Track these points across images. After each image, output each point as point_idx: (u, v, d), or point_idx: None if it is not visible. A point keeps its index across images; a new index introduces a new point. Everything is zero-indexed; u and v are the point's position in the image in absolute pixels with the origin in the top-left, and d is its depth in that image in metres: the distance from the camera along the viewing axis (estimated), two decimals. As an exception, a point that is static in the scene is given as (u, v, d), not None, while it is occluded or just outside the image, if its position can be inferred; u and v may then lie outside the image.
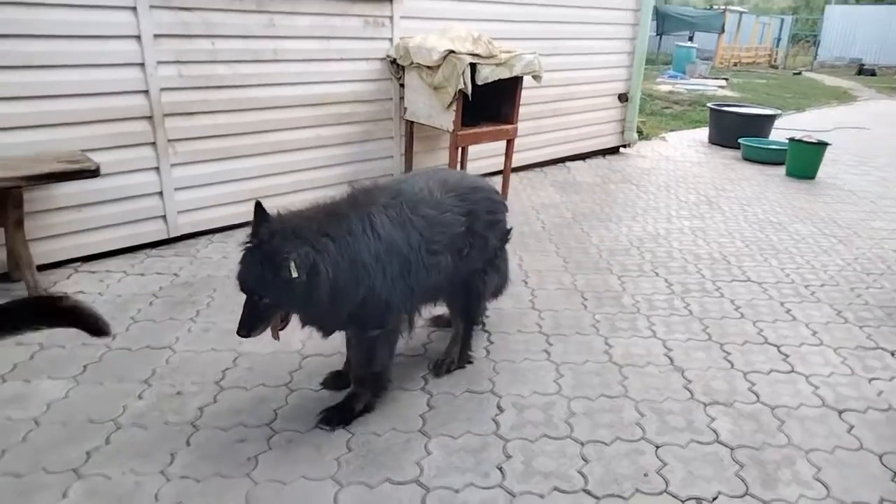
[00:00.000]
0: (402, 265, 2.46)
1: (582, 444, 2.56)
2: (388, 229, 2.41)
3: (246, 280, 2.20)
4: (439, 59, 4.89)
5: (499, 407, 2.78)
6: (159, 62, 4.08)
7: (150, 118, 4.13)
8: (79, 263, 4.01)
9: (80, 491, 2.22)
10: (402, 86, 5.38)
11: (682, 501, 2.29)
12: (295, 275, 2.10)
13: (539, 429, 2.64)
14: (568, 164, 7.27)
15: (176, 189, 4.36)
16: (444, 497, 2.26)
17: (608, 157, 7.79)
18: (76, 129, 3.85)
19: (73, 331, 1.74)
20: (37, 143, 3.71)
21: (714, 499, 2.31)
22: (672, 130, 10.08)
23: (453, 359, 3.02)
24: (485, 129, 5.37)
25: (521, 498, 2.27)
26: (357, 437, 2.55)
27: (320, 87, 4.94)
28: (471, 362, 3.08)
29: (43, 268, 3.80)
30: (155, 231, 4.34)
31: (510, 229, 3.13)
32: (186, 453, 2.43)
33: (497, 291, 3.27)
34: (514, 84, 5.36)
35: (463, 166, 6.01)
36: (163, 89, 4.14)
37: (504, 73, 5.12)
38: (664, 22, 22.54)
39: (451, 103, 4.98)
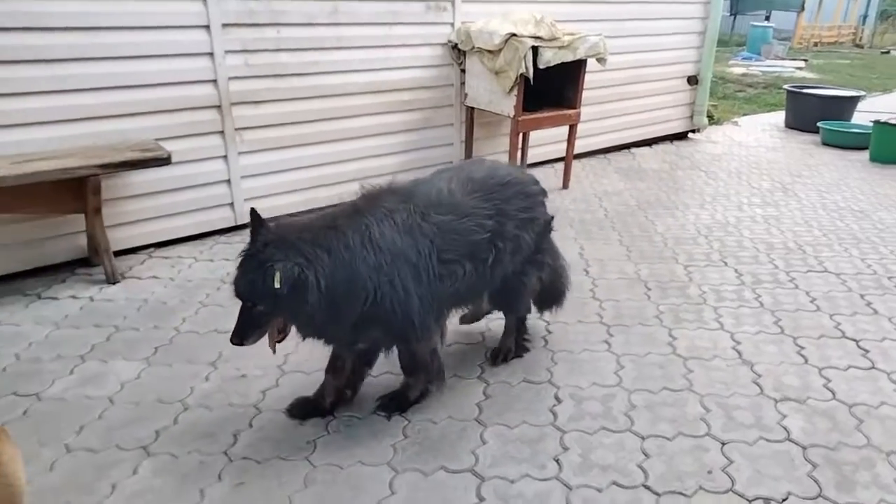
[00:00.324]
0: (414, 273, 2.30)
1: (642, 438, 2.49)
2: (391, 238, 2.26)
3: (239, 286, 2.15)
4: (501, 42, 4.82)
5: (556, 398, 2.73)
6: (227, 51, 4.18)
7: (218, 107, 4.25)
8: (152, 249, 4.17)
9: (149, 468, 2.32)
10: (462, 71, 5.34)
11: (749, 501, 2.20)
12: (277, 286, 2.04)
13: (598, 421, 2.58)
14: (633, 150, 7.06)
15: (243, 177, 4.47)
16: (498, 487, 2.24)
17: (676, 142, 7.53)
18: (149, 119, 3.99)
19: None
20: (113, 133, 3.87)
21: (784, 500, 2.21)
22: (745, 114, 9.64)
23: (510, 347, 2.99)
24: (546, 114, 5.27)
25: (578, 491, 2.23)
26: (413, 424, 2.57)
27: (382, 74, 4.96)
28: (527, 350, 3.04)
29: (119, 253, 3.98)
30: (223, 218, 4.47)
31: (551, 218, 2.87)
32: (249, 434, 2.50)
33: (555, 290, 3.06)
34: (577, 67, 5.24)
35: (524, 153, 5.93)
36: (230, 78, 4.24)
37: (567, 56, 5.00)
38: (739, 1, 21.54)
39: (512, 88, 4.91)
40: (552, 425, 2.56)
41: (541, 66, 4.87)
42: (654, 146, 7.28)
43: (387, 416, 2.59)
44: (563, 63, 5.02)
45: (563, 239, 4.45)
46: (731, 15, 21.75)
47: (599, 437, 2.49)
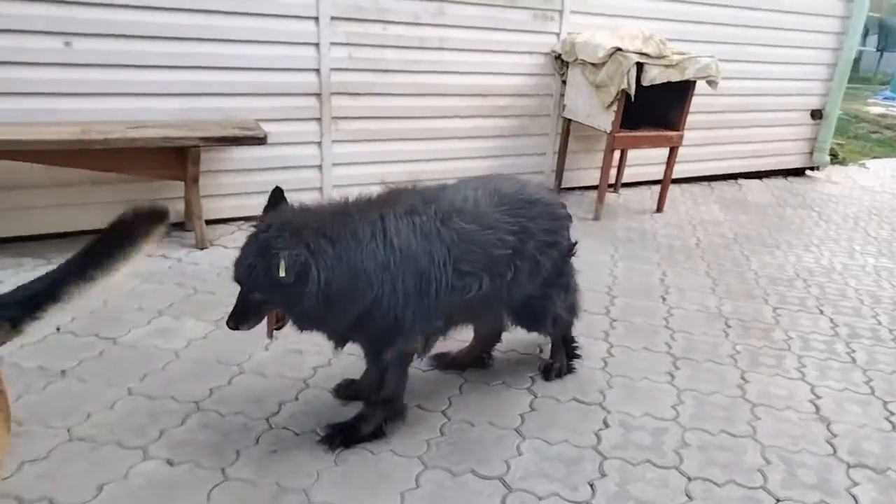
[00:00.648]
0: (420, 281, 2.15)
1: (689, 478, 2.33)
2: (406, 238, 2.12)
3: (238, 270, 2.06)
4: (605, 56, 4.71)
5: (605, 422, 2.62)
6: (332, 43, 4.34)
7: (318, 95, 4.41)
8: (241, 223, 4.39)
9: (196, 421, 2.43)
10: (563, 82, 5.26)
11: (796, 566, 2.01)
12: (283, 274, 1.92)
13: (644, 453, 2.45)
14: (741, 181, 6.69)
15: (334, 164, 4.62)
16: (525, 501, 2.17)
17: (791, 178, 7.05)
18: (253, 100, 4.21)
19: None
20: (218, 110, 4.11)
21: (836, 572, 2.00)
22: (876, 157, 8.88)
23: (562, 364, 2.89)
24: (645, 133, 5.09)
25: (608, 520, 2.12)
26: (452, 423, 2.54)
27: (481, 78, 4.98)
28: (579, 357, 2.95)
29: (211, 222, 4.22)
30: (310, 201, 4.63)
31: (574, 244, 2.70)
32: (293, 406, 2.56)
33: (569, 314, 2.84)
34: (685, 88, 5.02)
35: (620, 172, 5.78)
36: (333, 69, 4.40)
37: (674, 76, 4.81)
38: (888, 36, 19.95)
39: (611, 103, 4.78)
40: (594, 448, 2.45)
41: (644, 84, 4.70)
42: (764, 179, 6.86)
43: (329, 449, 2.33)
44: (669, 83, 4.84)
45: (645, 263, 4.29)
46: (877, 51, 20.18)
47: (642, 470, 2.36)
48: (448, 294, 2.20)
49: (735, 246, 4.78)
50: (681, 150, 5.34)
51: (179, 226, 4.18)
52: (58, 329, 2.96)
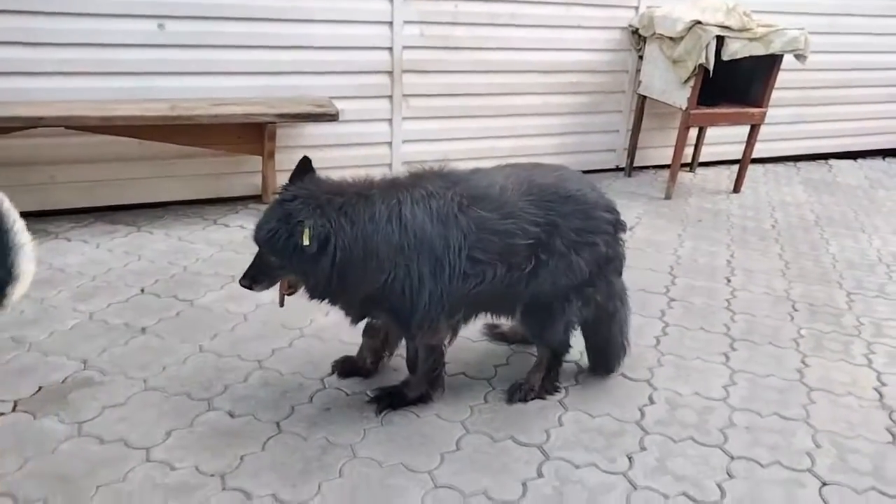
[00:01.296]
0: (434, 265, 2.16)
1: (732, 457, 2.31)
2: (421, 221, 2.12)
3: (259, 233, 2.12)
4: (683, 29, 4.56)
5: (650, 399, 2.62)
6: (405, 21, 4.43)
7: (390, 73, 4.53)
8: (315, 196, 4.59)
9: (257, 378, 2.63)
10: (640, 58, 5.13)
11: (835, 551, 1.97)
12: (307, 243, 1.99)
13: (687, 430, 2.44)
14: (832, 161, 6.31)
15: (403, 141, 4.74)
16: (560, 468, 2.23)
17: (889, 159, 6.58)
18: (327, 78, 4.37)
19: None
20: (295, 88, 4.30)
21: (879, 560, 1.94)
22: None
23: (533, 386, 2.58)
24: (724, 110, 4.90)
25: (642, 492, 2.14)
26: (496, 391, 2.62)
27: (553, 55, 4.94)
28: (558, 391, 2.62)
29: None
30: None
31: (621, 257, 2.52)
32: (347, 369, 2.72)
33: (606, 345, 2.65)
34: (770, 63, 4.80)
35: (697, 150, 5.60)
36: (405, 47, 4.49)
37: (758, 50, 4.60)
38: None
39: (688, 78, 4.63)
40: (636, 423, 2.47)
41: (725, 58, 4.52)
42: (859, 160, 6.44)
43: (376, 410, 2.46)
44: (753, 57, 4.63)
45: (713, 244, 4.17)
46: None
47: (684, 447, 2.36)
48: (462, 281, 2.20)
49: (815, 228, 4.55)
50: (766, 129, 5.11)
51: (256, 198, 4.43)
52: (142, 290, 3.24)
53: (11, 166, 3.80)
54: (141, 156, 4.08)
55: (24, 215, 1.61)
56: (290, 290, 2.30)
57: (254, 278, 2.21)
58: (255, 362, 2.73)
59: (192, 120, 3.76)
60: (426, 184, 2.22)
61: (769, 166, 5.96)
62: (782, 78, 4.91)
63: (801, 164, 6.14)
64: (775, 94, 4.96)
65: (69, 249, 3.62)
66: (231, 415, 2.41)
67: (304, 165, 2.20)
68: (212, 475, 2.12)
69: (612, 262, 2.48)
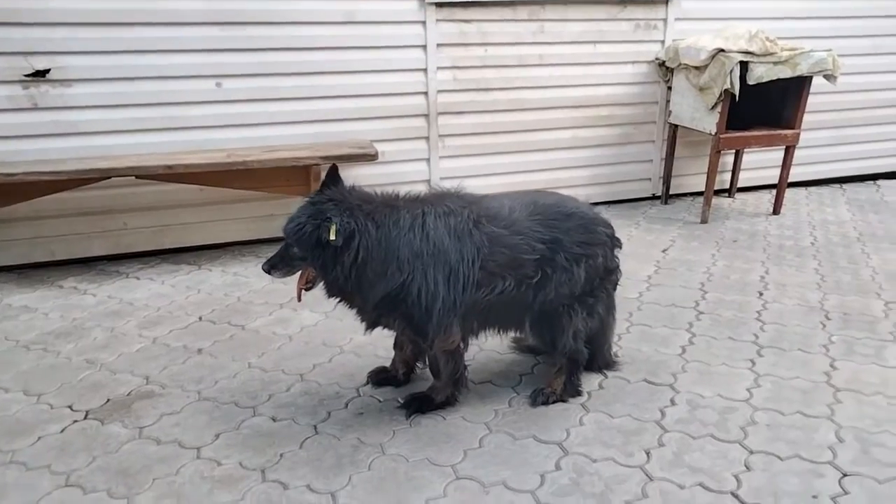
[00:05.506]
0: (449, 275, 2.34)
1: (751, 451, 2.35)
2: (441, 234, 2.33)
3: (288, 224, 2.32)
4: (707, 58, 4.71)
5: (672, 401, 2.68)
6: (438, 67, 4.77)
7: (426, 116, 4.84)
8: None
9: (298, 389, 2.85)
10: (669, 88, 5.29)
11: (851, 536, 1.98)
12: (332, 237, 2.18)
13: (707, 428, 2.49)
14: (881, 182, 6.19)
15: (441, 179, 5.01)
16: (577, 462, 2.32)
17: (944, 177, 6.41)
18: (368, 123, 4.72)
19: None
20: (341, 133, 4.66)
21: (897, 544, 1.94)
22: None
23: (555, 389, 2.70)
24: (754, 133, 4.96)
25: (657, 483, 2.21)
26: (520, 397, 2.74)
27: (581, 90, 5.16)
28: (580, 394, 2.73)
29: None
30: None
31: (615, 267, 2.71)
32: (381, 380, 2.91)
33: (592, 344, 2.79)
34: (799, 85, 4.86)
35: (734, 175, 5.64)
36: (439, 91, 4.81)
37: (784, 73, 4.69)
38: None
39: (715, 104, 4.75)
40: (656, 423, 2.54)
41: (751, 83, 4.63)
42: (910, 180, 6.30)
43: (406, 414, 2.63)
44: (782, 80, 4.72)
45: (747, 261, 4.20)
46: None
47: (702, 443, 2.41)
48: (474, 290, 2.39)
49: (856, 244, 4.50)
50: (808, 152, 5.14)
51: (307, 237, 4.74)
52: (200, 318, 3.55)
53: (90, 215, 4.26)
54: (202, 201, 4.48)
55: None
56: (308, 285, 2.48)
57: (274, 265, 2.41)
58: (297, 375, 2.96)
59: (246, 165, 4.13)
60: (447, 202, 2.45)
61: (812, 189, 5.91)
62: (823, 100, 4.95)
63: (847, 186, 6.06)
64: (818, 117, 4.98)
65: (138, 286, 3.99)
66: (273, 419, 2.63)
67: (333, 173, 2.42)
68: (253, 469, 2.32)
69: (611, 275, 2.69)
